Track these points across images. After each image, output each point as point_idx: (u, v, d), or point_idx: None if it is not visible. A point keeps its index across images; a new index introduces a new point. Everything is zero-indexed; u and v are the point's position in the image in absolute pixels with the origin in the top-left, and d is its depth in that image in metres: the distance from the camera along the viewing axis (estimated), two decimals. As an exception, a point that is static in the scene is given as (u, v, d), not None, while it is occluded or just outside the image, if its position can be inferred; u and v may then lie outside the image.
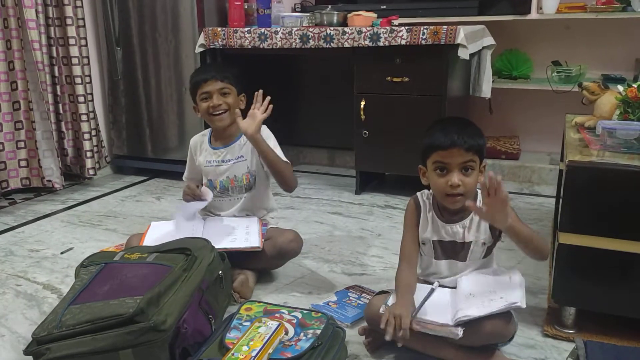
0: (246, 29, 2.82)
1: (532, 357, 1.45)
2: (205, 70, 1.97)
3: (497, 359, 1.38)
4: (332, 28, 2.64)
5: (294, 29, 2.71)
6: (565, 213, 1.48)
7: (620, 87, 1.75)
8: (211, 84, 1.89)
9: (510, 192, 2.86)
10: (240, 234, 1.84)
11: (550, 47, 3.04)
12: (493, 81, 2.88)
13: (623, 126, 1.57)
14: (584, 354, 1.09)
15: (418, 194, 1.56)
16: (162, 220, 2.06)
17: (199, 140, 2.01)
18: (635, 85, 1.67)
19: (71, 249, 2.23)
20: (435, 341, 1.40)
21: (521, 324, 1.59)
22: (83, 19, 3.00)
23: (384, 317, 1.32)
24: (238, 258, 1.81)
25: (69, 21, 2.90)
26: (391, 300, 1.41)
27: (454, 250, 1.47)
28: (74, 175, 3.15)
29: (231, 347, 1.22)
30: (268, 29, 2.76)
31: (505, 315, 1.35)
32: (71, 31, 2.91)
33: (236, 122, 1.87)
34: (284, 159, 1.89)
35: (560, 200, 1.57)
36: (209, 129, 2.02)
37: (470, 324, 1.33)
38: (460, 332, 1.32)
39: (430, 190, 1.51)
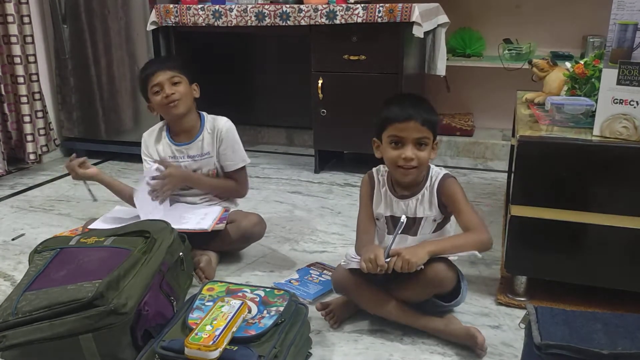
0: (200, 5, 2.75)
1: (487, 324, 1.51)
2: (150, 65, 1.94)
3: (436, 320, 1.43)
4: (288, 5, 2.60)
5: (249, 6, 2.66)
6: (517, 186, 1.54)
7: (568, 64, 1.82)
8: (159, 74, 1.85)
9: (464, 168, 2.97)
10: (195, 218, 1.83)
11: (501, 25, 3.10)
12: (447, 59, 2.92)
13: (570, 101, 1.63)
14: (535, 319, 1.14)
15: (373, 169, 1.58)
16: (120, 204, 2.02)
17: (155, 132, 1.96)
18: (582, 62, 1.73)
19: (23, 235, 2.16)
20: (381, 299, 1.44)
21: (475, 294, 1.66)
22: (25, -5, 2.86)
23: (362, 266, 1.34)
24: (202, 240, 1.80)
25: (7, -2, 2.76)
26: (353, 264, 1.42)
27: (406, 226, 1.50)
28: (21, 160, 3.03)
29: (194, 327, 1.22)
30: (222, 5, 2.70)
31: (446, 261, 1.38)
32: (10, 8, 2.77)
33: (193, 113, 1.90)
34: (243, 162, 1.92)
35: (512, 175, 1.63)
36: (161, 124, 1.98)
37: (411, 274, 1.34)
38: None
39: (385, 167, 1.53)
